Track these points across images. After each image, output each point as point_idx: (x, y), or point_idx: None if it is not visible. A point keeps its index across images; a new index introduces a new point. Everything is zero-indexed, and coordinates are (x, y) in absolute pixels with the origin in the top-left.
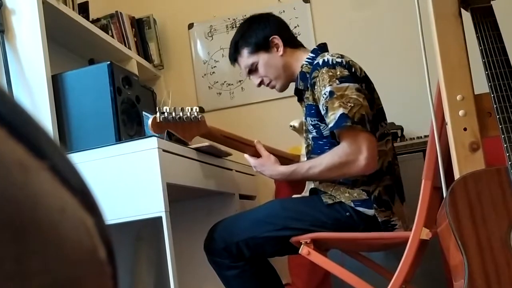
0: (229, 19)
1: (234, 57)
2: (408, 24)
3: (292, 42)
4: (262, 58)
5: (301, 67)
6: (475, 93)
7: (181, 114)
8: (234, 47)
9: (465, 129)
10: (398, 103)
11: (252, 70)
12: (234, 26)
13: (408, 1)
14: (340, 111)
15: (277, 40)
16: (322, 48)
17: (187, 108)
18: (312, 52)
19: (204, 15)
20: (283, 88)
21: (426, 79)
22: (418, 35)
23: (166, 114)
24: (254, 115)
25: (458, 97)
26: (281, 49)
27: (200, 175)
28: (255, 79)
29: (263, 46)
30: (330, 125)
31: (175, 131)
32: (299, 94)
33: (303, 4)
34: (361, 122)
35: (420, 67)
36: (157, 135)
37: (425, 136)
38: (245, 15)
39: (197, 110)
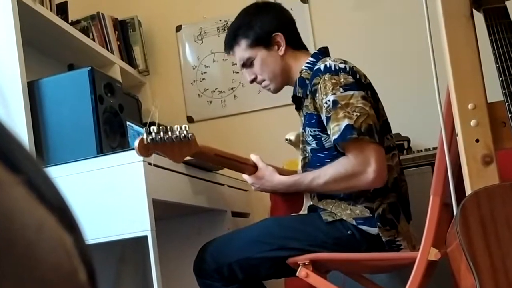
0: (220, 20)
1: (230, 44)
2: (415, 26)
3: (295, 43)
4: (260, 55)
5: (300, 72)
6: (488, 101)
7: (169, 134)
8: (233, 34)
9: (477, 140)
10: (404, 112)
11: (247, 64)
12: (226, 28)
13: (415, 0)
14: (345, 122)
15: (280, 38)
16: (323, 52)
17: (176, 126)
18: (312, 56)
19: (193, 17)
20: (277, 90)
21: (435, 86)
22: (426, 38)
23: (153, 134)
24: (247, 126)
25: (470, 106)
26: (282, 48)
27: (189, 191)
28: (248, 75)
29: (264, 41)
30: (334, 137)
31: (164, 152)
32: (298, 102)
33: (301, 5)
34: (369, 132)
35: (428, 72)
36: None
37: (434, 148)
38: None
39: (187, 129)
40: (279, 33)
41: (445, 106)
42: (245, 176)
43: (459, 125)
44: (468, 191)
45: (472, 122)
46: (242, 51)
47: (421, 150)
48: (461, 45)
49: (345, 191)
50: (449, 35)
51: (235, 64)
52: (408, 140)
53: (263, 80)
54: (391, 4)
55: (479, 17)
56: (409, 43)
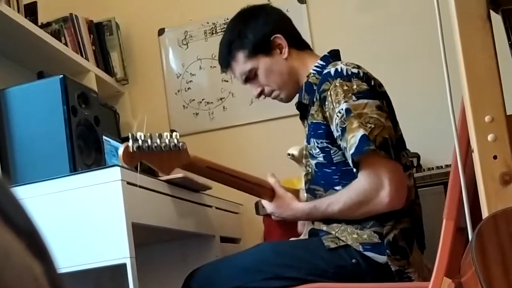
0: (208, 23)
1: (226, 62)
2: (425, 30)
3: (298, 42)
4: (262, 63)
5: (307, 76)
6: (508, 113)
7: (158, 141)
8: (227, 49)
9: (495, 157)
10: (414, 125)
11: (250, 78)
12: (214, 32)
13: (426, 1)
14: (361, 132)
15: (280, 39)
16: (334, 55)
17: (165, 134)
18: (321, 59)
19: (177, 19)
20: (289, 98)
21: (448, 96)
22: (437, 42)
23: (140, 142)
24: (238, 140)
25: (487, 118)
26: (285, 50)
27: (173, 214)
28: (254, 89)
29: (263, 47)
30: (351, 151)
31: (151, 162)
32: (303, 110)
33: (298, 5)
34: (384, 147)
35: (440, 81)
36: (123, 165)
37: (447, 166)
38: (227, 19)
39: (178, 137)
40: (278, 35)
41: (459, 118)
42: (264, 203)
43: (475, 140)
44: (485, 213)
45: (490, 137)
46: (241, 64)
47: (433, 168)
48: (477, 50)
49: (362, 217)
50: (463, 40)
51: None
52: (418, 157)
53: (272, 91)
54: (399, 5)
55: (497, 19)
56: (419, 48)
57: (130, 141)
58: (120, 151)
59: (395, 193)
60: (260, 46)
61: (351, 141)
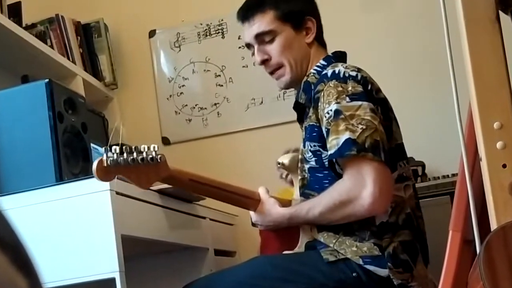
0: (201, 24)
1: (253, 11)
2: (430, 32)
3: (321, 37)
4: (285, 33)
5: (307, 76)
6: None
7: (135, 155)
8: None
9: (504, 165)
10: (419, 132)
11: (263, 40)
12: (207, 34)
13: (432, 2)
14: (346, 135)
15: (312, 23)
16: (337, 57)
17: (142, 146)
18: (324, 59)
19: (169, 20)
20: (289, 83)
21: (454, 101)
22: (443, 45)
23: (115, 156)
24: (233, 148)
25: (496, 125)
26: (311, 36)
27: (165, 225)
28: (260, 55)
29: (295, 20)
30: (330, 152)
31: (128, 176)
32: (300, 111)
33: None
34: (373, 149)
35: (446, 86)
36: (98, 181)
37: (453, 175)
38: (221, 20)
39: (156, 149)
40: (313, 18)
41: (467, 125)
42: (251, 213)
43: (483, 148)
44: (494, 225)
45: (498, 144)
46: (266, 21)
47: (438, 177)
48: (485, 53)
49: (343, 221)
50: (471, 42)
51: (219, 75)
52: (423, 166)
53: (278, 65)
54: (403, 6)
55: (506, 20)
56: (424, 51)
57: (104, 154)
58: (94, 166)
59: (379, 195)
60: (293, 17)
61: (333, 142)
